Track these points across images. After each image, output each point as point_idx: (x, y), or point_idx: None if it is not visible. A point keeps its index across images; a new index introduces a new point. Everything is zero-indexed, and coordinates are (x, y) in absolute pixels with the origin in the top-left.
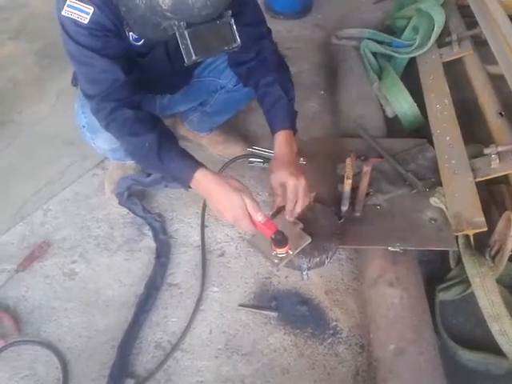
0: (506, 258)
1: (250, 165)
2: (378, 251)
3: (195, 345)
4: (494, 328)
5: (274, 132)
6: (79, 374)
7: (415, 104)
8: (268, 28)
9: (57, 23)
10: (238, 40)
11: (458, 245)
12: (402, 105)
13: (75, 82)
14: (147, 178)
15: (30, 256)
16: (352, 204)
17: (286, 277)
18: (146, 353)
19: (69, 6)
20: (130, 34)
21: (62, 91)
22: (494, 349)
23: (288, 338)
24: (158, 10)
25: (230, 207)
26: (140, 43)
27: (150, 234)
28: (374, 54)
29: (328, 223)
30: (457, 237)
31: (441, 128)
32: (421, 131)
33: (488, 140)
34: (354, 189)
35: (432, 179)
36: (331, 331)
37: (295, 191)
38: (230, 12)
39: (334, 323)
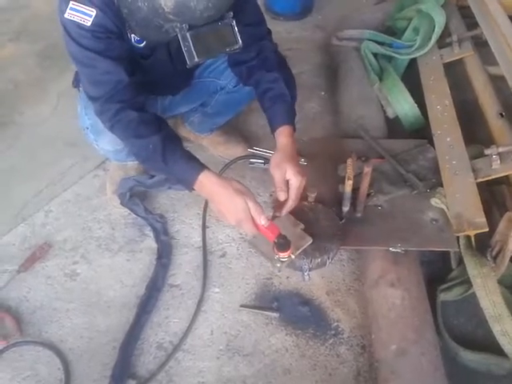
0: (507, 259)
1: (251, 166)
2: (380, 252)
3: (197, 345)
4: (496, 328)
5: (275, 128)
6: (81, 374)
7: (416, 105)
8: (268, 29)
9: (58, 25)
10: (240, 41)
11: (459, 245)
12: (403, 106)
13: (76, 83)
14: (150, 179)
15: (31, 257)
16: (353, 205)
17: (288, 277)
18: (148, 353)
19: (71, 8)
20: (132, 35)
21: (63, 92)
22: (495, 349)
23: (289, 339)
24: (160, 13)
25: (234, 210)
26: (142, 45)
27: (151, 234)
28: (375, 55)
29: (329, 224)
30: (458, 237)
31: (441, 129)
32: (421, 132)
33: (489, 141)
34: (355, 189)
35: (433, 180)
36: (333, 332)
37: (298, 190)
38: (232, 14)
39: (336, 324)
